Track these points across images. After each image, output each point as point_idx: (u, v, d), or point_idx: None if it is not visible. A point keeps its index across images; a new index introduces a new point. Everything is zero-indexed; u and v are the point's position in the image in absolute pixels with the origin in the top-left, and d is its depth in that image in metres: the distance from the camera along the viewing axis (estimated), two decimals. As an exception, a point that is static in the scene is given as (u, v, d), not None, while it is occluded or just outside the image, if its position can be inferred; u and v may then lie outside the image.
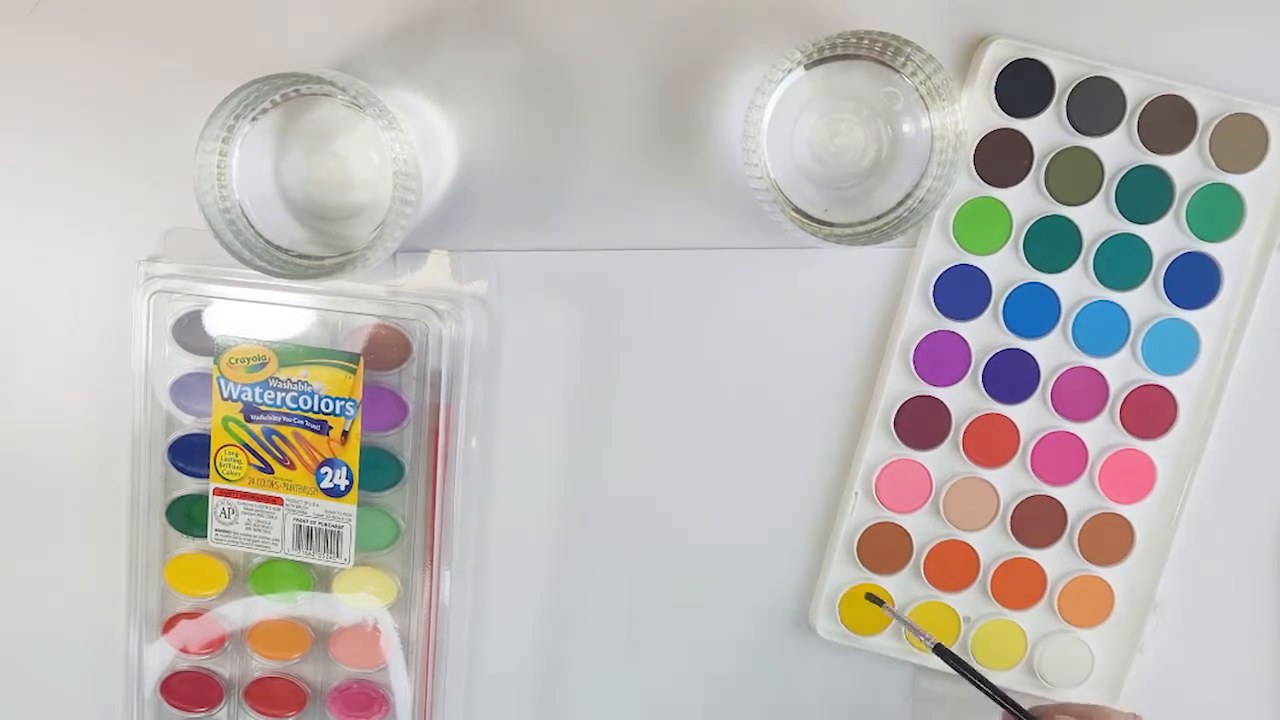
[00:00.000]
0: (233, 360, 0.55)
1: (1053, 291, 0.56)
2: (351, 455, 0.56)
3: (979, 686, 0.52)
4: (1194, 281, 0.56)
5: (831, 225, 0.52)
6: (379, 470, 0.57)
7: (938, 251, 0.56)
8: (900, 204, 0.52)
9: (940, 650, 0.53)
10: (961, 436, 0.57)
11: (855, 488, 0.58)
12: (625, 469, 0.59)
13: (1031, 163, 0.55)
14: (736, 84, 0.55)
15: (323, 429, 0.56)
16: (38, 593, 0.61)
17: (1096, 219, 0.56)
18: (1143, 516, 0.58)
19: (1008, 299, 0.56)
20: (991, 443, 0.58)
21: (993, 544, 0.59)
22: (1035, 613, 0.59)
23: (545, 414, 0.58)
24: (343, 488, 0.56)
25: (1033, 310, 0.56)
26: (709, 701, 0.61)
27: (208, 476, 0.57)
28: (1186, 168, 0.55)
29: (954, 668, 0.53)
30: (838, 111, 0.52)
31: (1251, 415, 0.57)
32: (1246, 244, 0.56)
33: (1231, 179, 0.55)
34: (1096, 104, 0.54)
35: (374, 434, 0.57)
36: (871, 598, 0.58)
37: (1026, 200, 0.56)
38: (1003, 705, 0.51)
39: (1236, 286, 0.56)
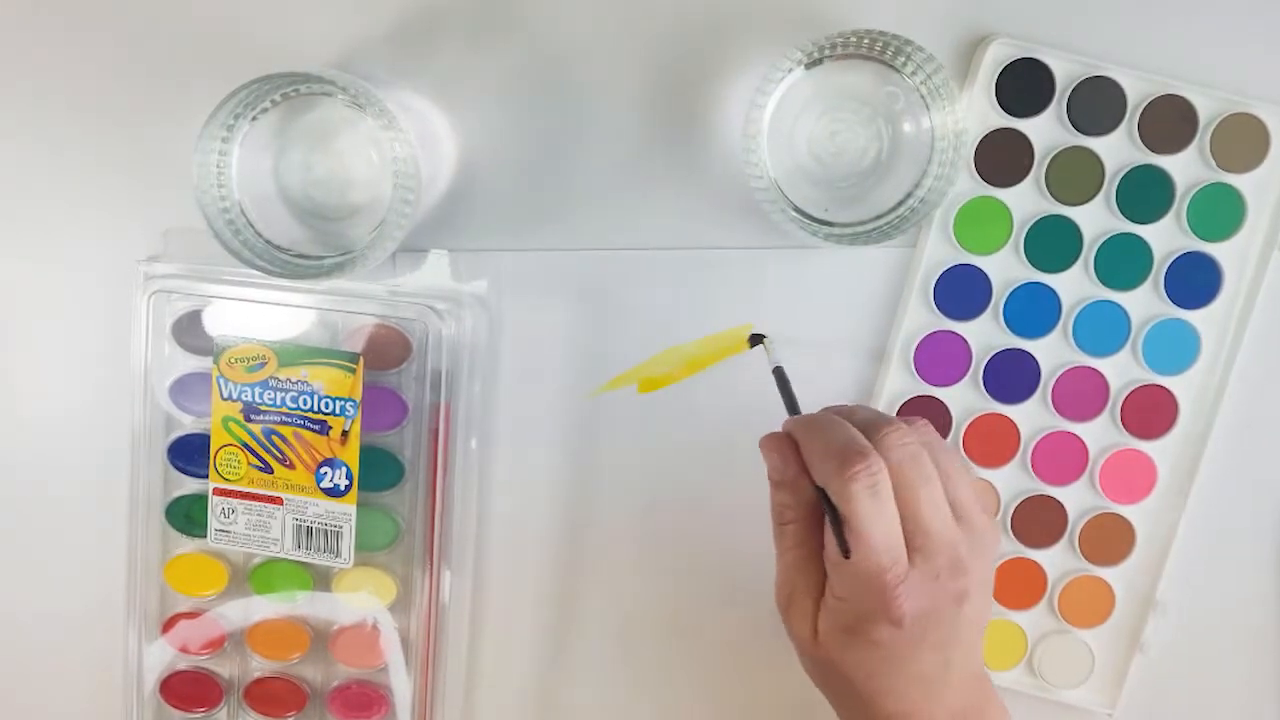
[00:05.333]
0: (232, 360, 0.55)
1: (1053, 291, 0.56)
2: (351, 455, 0.56)
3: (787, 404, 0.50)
4: (1195, 281, 0.56)
5: (831, 225, 0.52)
6: (379, 470, 0.57)
7: (938, 251, 0.56)
8: (900, 204, 0.52)
9: (778, 373, 0.50)
10: (962, 436, 0.57)
11: (855, 488, 0.58)
12: (625, 468, 0.59)
13: (1032, 162, 0.55)
14: (736, 84, 0.55)
15: (322, 429, 0.56)
16: (37, 592, 0.61)
17: (1097, 219, 0.56)
18: (1143, 516, 0.58)
19: (1008, 299, 0.56)
20: (992, 443, 0.58)
21: (993, 544, 0.59)
22: (1035, 613, 0.59)
23: (545, 414, 0.58)
24: (342, 487, 0.56)
25: (1033, 310, 0.56)
26: (708, 700, 0.61)
27: (207, 476, 0.57)
28: (1187, 167, 0.55)
29: (779, 384, 0.50)
30: (838, 111, 0.52)
31: (1252, 415, 0.57)
32: (1247, 244, 0.56)
33: (1232, 179, 0.55)
34: (1097, 103, 0.54)
35: (374, 434, 0.57)
36: (754, 337, 0.52)
37: (1027, 200, 0.56)
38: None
39: (1237, 286, 0.56)
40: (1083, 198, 0.55)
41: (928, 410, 0.57)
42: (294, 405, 0.55)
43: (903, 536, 0.44)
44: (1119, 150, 0.55)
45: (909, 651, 0.45)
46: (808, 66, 0.51)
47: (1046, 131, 0.55)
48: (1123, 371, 0.57)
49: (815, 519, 0.47)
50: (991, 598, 0.48)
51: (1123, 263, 0.56)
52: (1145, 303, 0.56)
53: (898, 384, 0.57)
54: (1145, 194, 0.55)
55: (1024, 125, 0.55)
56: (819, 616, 0.46)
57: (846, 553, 0.44)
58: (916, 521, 0.44)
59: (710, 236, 0.57)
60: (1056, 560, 0.59)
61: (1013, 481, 0.58)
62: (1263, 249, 0.56)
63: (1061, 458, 0.58)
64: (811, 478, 0.46)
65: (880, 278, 0.57)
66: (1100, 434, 0.58)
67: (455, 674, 0.60)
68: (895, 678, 0.45)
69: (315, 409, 0.55)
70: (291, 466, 0.56)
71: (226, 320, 0.56)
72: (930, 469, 0.45)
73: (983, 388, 0.57)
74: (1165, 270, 0.56)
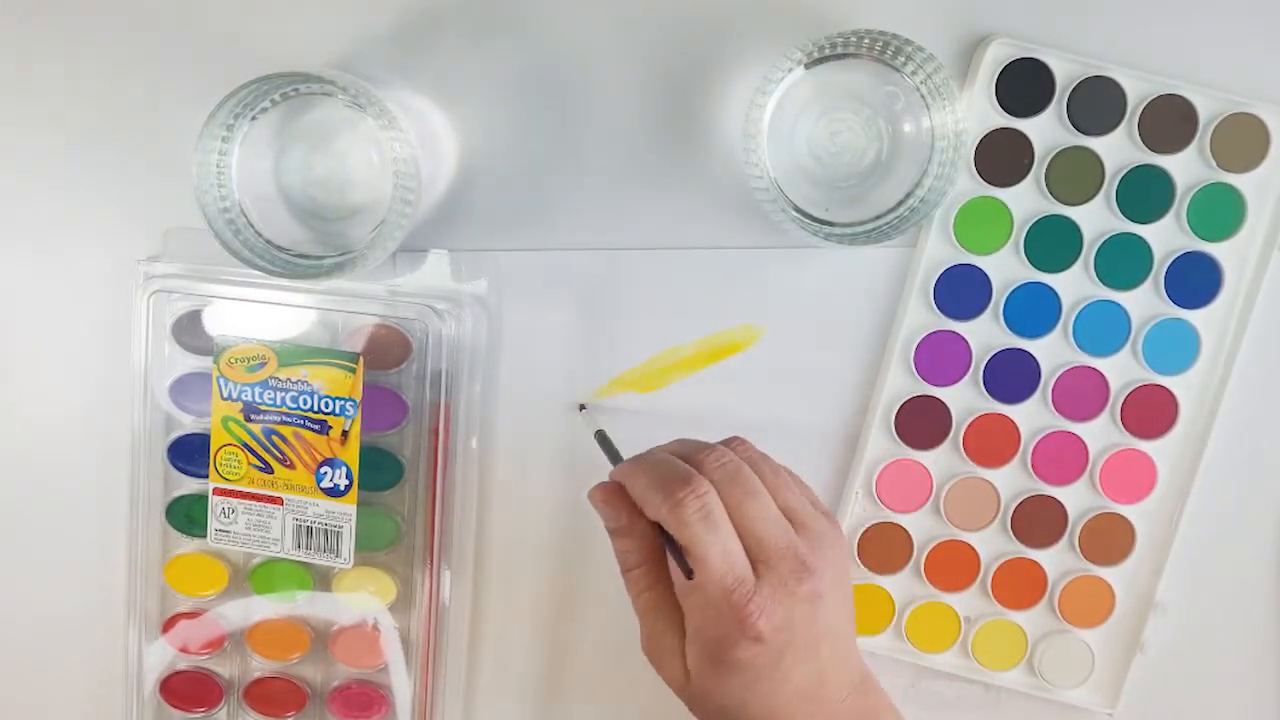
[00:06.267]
0: (232, 360, 0.55)
1: (1053, 291, 0.56)
2: (351, 455, 0.56)
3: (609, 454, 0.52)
4: (1195, 281, 0.56)
5: (831, 225, 0.52)
6: (379, 470, 0.57)
7: (938, 251, 0.56)
8: (900, 203, 0.52)
9: (600, 436, 0.53)
10: (962, 436, 0.57)
11: (856, 487, 0.58)
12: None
13: (1032, 162, 0.55)
14: (736, 84, 0.55)
15: (322, 429, 0.55)
16: (37, 592, 0.61)
17: (1097, 218, 0.56)
18: (1143, 516, 0.58)
19: (1008, 298, 0.56)
20: (992, 442, 0.58)
21: (993, 544, 0.59)
22: (1035, 613, 0.59)
23: (545, 414, 0.58)
24: (342, 487, 0.56)
25: (1033, 310, 0.56)
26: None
27: (207, 476, 0.57)
28: (1187, 167, 0.55)
29: (602, 446, 0.52)
30: (838, 111, 0.52)
31: (1252, 415, 0.57)
32: (1247, 243, 0.56)
33: (1232, 178, 0.55)
34: (1097, 103, 0.54)
35: (374, 434, 0.56)
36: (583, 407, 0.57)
37: (1027, 200, 0.56)
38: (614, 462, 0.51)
39: (1237, 286, 0.56)
40: (1083, 197, 0.55)
41: (928, 410, 0.57)
42: (294, 405, 0.55)
43: (744, 553, 0.45)
44: (1119, 150, 0.55)
45: (777, 668, 0.45)
46: (808, 66, 0.51)
47: (1046, 131, 0.55)
48: (1123, 371, 0.57)
49: (659, 557, 0.47)
50: (850, 599, 0.48)
51: (1123, 262, 0.56)
52: (1145, 303, 0.56)
53: (898, 384, 0.57)
54: (1145, 194, 0.55)
55: (1024, 125, 0.55)
56: (686, 653, 0.46)
57: (689, 573, 0.45)
58: (752, 535, 0.45)
59: (710, 236, 0.57)
60: (1056, 560, 0.59)
61: (1013, 481, 0.58)
62: (1263, 249, 0.56)
63: (1061, 458, 0.58)
64: (645, 517, 0.47)
65: (880, 278, 0.57)
66: (1100, 434, 0.57)
67: (455, 674, 0.60)
68: (772, 698, 0.45)
69: (315, 409, 0.55)
70: (291, 466, 0.56)
71: (226, 320, 0.56)
72: (753, 482, 0.46)
73: (983, 387, 0.57)
74: (1165, 270, 0.56)
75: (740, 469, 0.46)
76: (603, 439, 0.53)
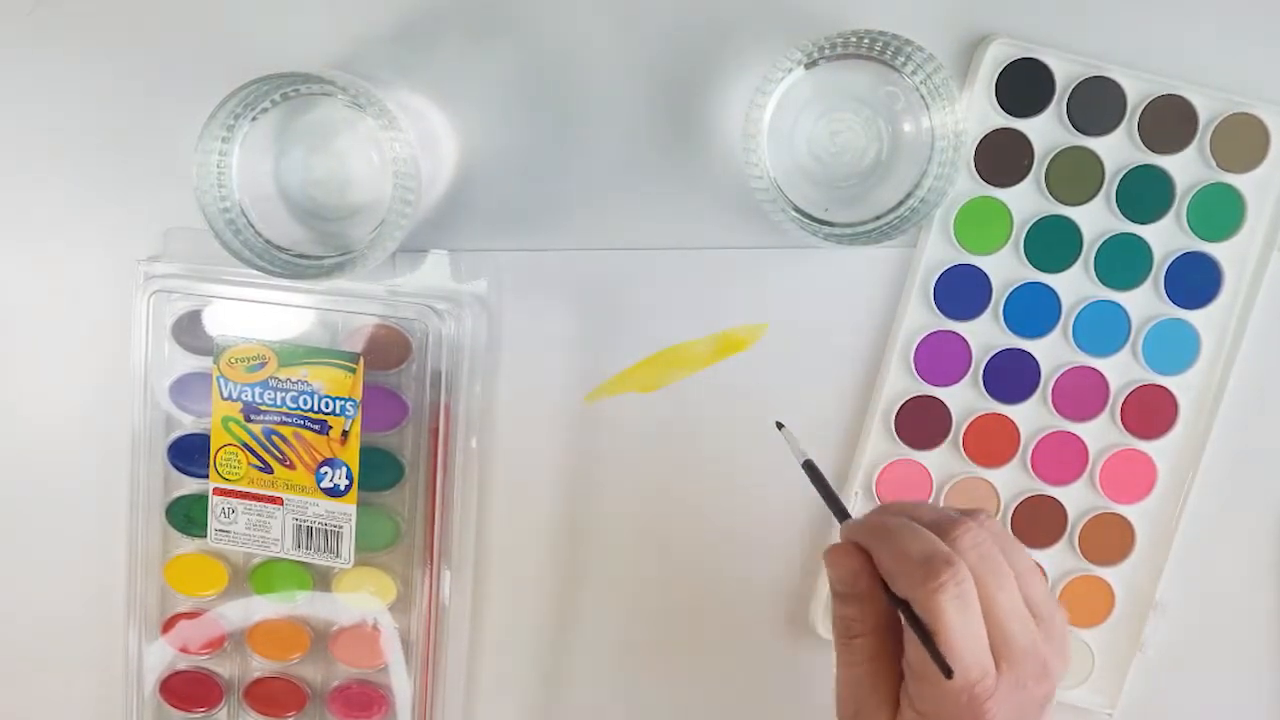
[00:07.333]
0: (232, 360, 0.55)
1: (1053, 291, 0.56)
2: (351, 455, 0.56)
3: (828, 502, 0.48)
4: (1195, 281, 0.56)
5: (831, 225, 0.52)
6: (379, 470, 0.57)
7: (938, 251, 0.56)
8: (900, 204, 0.52)
9: (808, 465, 0.49)
10: (962, 436, 0.57)
11: (855, 488, 0.58)
12: (624, 468, 0.59)
13: (1032, 162, 0.55)
14: (736, 84, 0.55)
15: (322, 429, 0.55)
16: (37, 592, 0.61)
17: (1097, 219, 0.56)
18: (1143, 516, 0.58)
19: (1008, 299, 0.56)
20: (992, 443, 0.58)
21: (993, 544, 0.59)
22: (1035, 613, 0.59)
23: (545, 414, 0.58)
24: (342, 487, 0.56)
25: (1033, 310, 0.56)
26: (709, 701, 0.61)
27: (207, 476, 0.57)
28: (1187, 167, 0.55)
29: (813, 479, 0.49)
30: (838, 111, 0.52)
31: (1252, 415, 0.57)
32: (1247, 244, 0.56)
33: (1232, 179, 0.55)
34: (1097, 103, 0.54)
35: (374, 434, 0.56)
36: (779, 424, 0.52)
37: (1027, 200, 0.56)
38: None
39: (1237, 286, 0.56)
40: (1083, 198, 0.55)
41: (928, 410, 0.57)
42: (294, 405, 0.55)
43: (989, 646, 0.42)
44: (1119, 150, 0.55)
45: None
46: (807, 66, 0.51)
47: (1046, 131, 0.55)
48: (1123, 371, 0.57)
49: (887, 630, 0.45)
50: None
51: (1123, 263, 0.56)
52: (1145, 303, 0.56)
53: (898, 384, 0.57)
54: (1145, 194, 0.55)
55: (1024, 125, 0.55)
56: None
57: (949, 672, 0.42)
58: (1000, 629, 0.43)
59: (710, 236, 0.57)
60: (1056, 560, 0.59)
61: (1013, 481, 0.58)
62: (1263, 249, 0.56)
63: (1061, 458, 0.58)
64: (886, 589, 0.44)
65: (880, 278, 0.57)
66: (1100, 434, 0.57)
67: (455, 674, 0.59)
68: None
69: (315, 409, 0.55)
70: (291, 466, 0.56)
71: (226, 320, 0.56)
72: (1005, 569, 0.43)
73: (983, 388, 0.57)
74: (1165, 270, 0.56)
75: (995, 555, 0.43)
76: (812, 470, 0.49)
